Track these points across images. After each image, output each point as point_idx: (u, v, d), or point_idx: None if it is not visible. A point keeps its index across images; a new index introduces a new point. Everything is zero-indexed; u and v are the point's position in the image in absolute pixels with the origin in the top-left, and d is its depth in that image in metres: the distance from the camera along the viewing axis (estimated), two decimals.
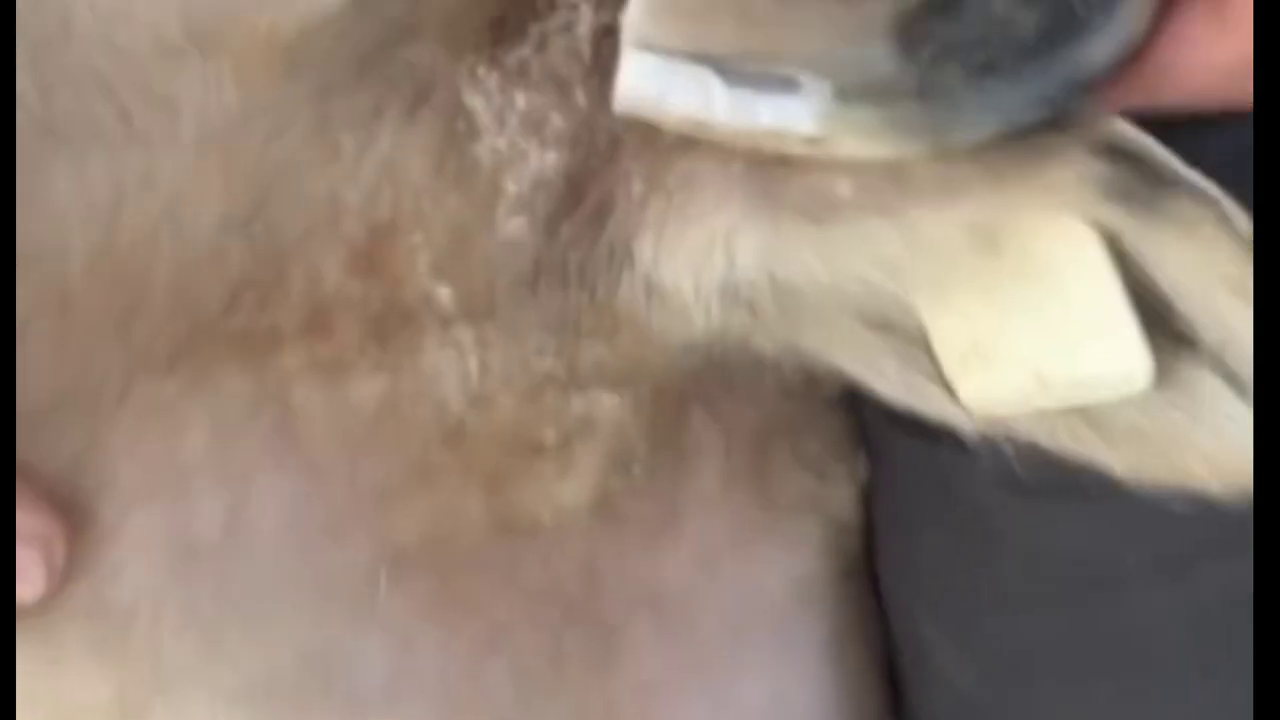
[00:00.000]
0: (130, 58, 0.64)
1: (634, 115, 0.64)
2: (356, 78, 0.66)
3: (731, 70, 0.63)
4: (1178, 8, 0.61)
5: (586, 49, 0.67)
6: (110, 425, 0.67)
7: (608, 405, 0.71)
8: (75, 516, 0.66)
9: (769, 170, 0.65)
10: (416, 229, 0.67)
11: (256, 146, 0.65)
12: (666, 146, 0.67)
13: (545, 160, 0.67)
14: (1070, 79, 0.61)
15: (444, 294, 0.68)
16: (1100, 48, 0.62)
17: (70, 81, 0.64)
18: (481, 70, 0.67)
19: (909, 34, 0.62)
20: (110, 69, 0.64)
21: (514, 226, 0.68)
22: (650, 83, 0.63)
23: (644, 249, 0.67)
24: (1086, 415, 0.65)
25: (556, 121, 0.67)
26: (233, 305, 0.67)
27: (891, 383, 0.66)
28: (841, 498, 0.79)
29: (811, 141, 0.63)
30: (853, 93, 0.62)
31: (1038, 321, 0.61)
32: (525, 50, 0.67)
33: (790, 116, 0.62)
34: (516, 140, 0.67)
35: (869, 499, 0.76)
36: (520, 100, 0.67)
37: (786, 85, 0.63)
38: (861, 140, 0.63)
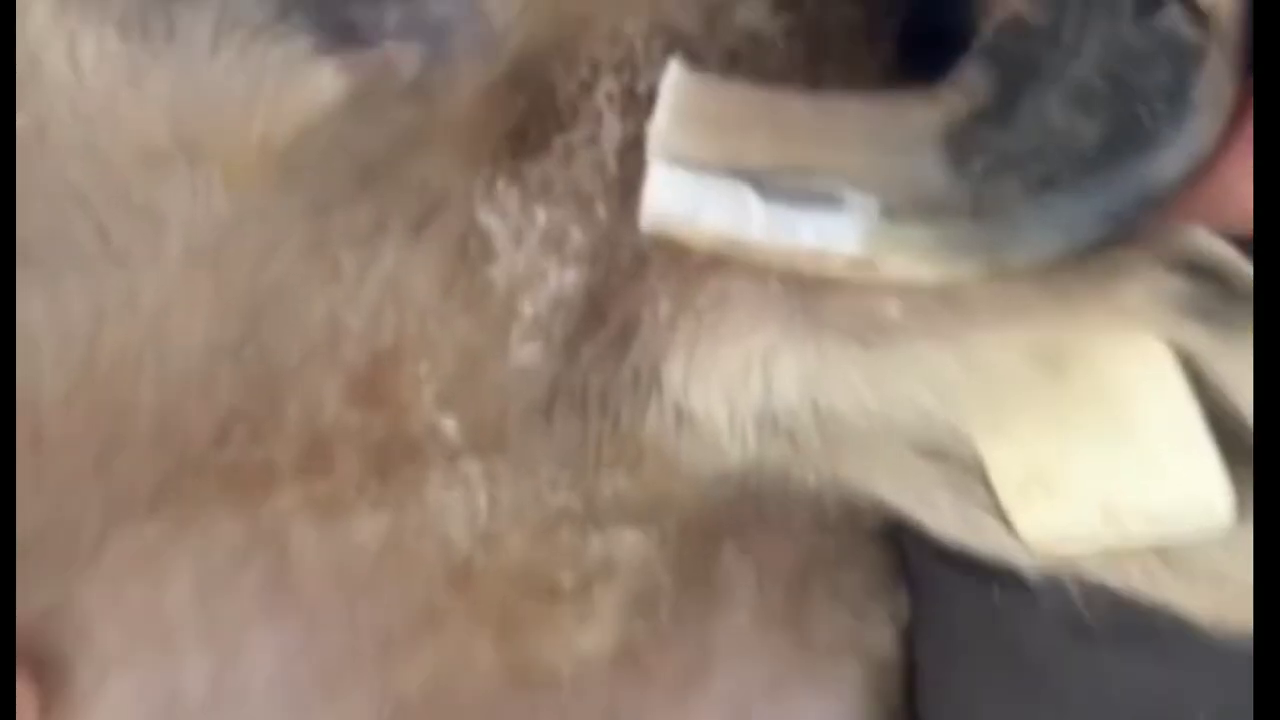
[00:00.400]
0: (110, 167, 0.60)
1: (662, 234, 0.60)
2: (358, 189, 0.61)
3: (768, 185, 0.58)
4: (1247, 125, 0.57)
5: (611, 161, 0.62)
6: (88, 575, 0.61)
7: (630, 543, 0.66)
8: (49, 679, 0.60)
9: (810, 289, 0.60)
10: (422, 355, 0.62)
11: (249, 263, 0.60)
12: (696, 264, 0.62)
13: (565, 279, 0.63)
14: (1137, 194, 0.57)
15: (450, 425, 0.63)
16: (1169, 162, 0.57)
17: (44, 196, 0.59)
18: (500, 185, 0.62)
19: (959, 145, 0.58)
20: (87, 181, 0.60)
21: (529, 352, 0.63)
22: (680, 198, 0.59)
23: (673, 373, 0.63)
24: (1162, 553, 0.60)
25: (577, 237, 0.62)
26: (222, 438, 0.62)
27: (944, 516, 0.62)
28: (882, 637, 0.74)
29: (856, 263, 0.58)
30: (901, 210, 0.58)
31: (1106, 450, 0.58)
32: (549, 164, 0.62)
33: (833, 236, 0.58)
34: (535, 259, 0.62)
35: (911, 638, 0.72)
36: (540, 217, 0.62)
37: (829, 202, 0.58)
38: (911, 261, 0.58)
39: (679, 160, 0.58)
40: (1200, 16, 0.58)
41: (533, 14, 0.61)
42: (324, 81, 0.59)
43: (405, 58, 0.59)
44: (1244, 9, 0.57)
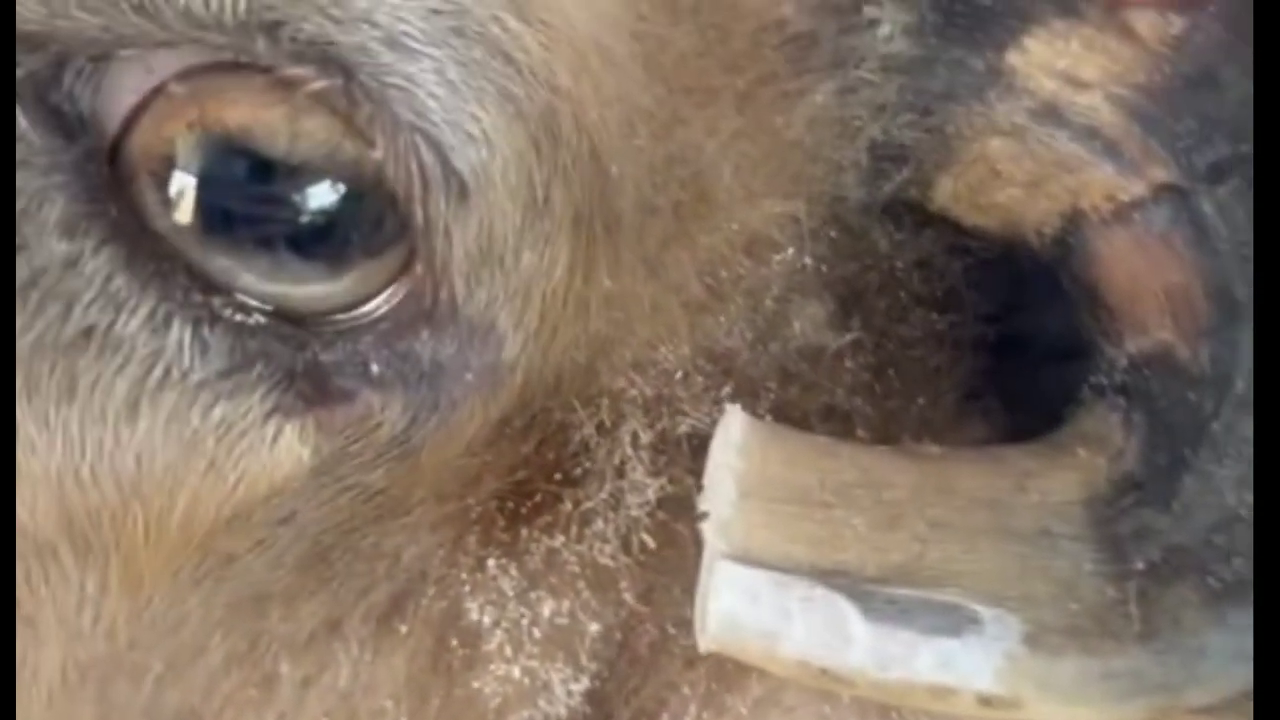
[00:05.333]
0: None
1: (730, 654, 0.46)
2: (306, 577, 0.48)
3: (874, 595, 0.45)
4: None
5: (640, 529, 0.49)
6: None
7: None
8: None
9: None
10: None
11: (148, 683, 0.47)
12: None
13: (575, 688, 0.49)
14: None
15: None
16: None
17: None
18: (493, 565, 0.48)
19: (1111, 529, 0.47)
20: None
21: None
22: (757, 610, 0.45)
23: None
24: None
25: (593, 631, 0.49)
26: None
27: None
28: None
29: (990, 701, 0.45)
30: (1052, 635, 0.45)
31: None
32: (558, 537, 0.48)
33: (963, 668, 0.45)
34: (536, 665, 0.48)
35: None
36: (546, 606, 0.48)
37: (956, 621, 0.45)
38: (1062, 703, 0.46)
39: (753, 556, 0.45)
40: None
41: (549, 335, 0.47)
42: (285, 447, 0.46)
43: (389, 411, 0.46)
44: None
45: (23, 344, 0.45)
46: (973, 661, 0.45)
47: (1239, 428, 0.46)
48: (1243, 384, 0.47)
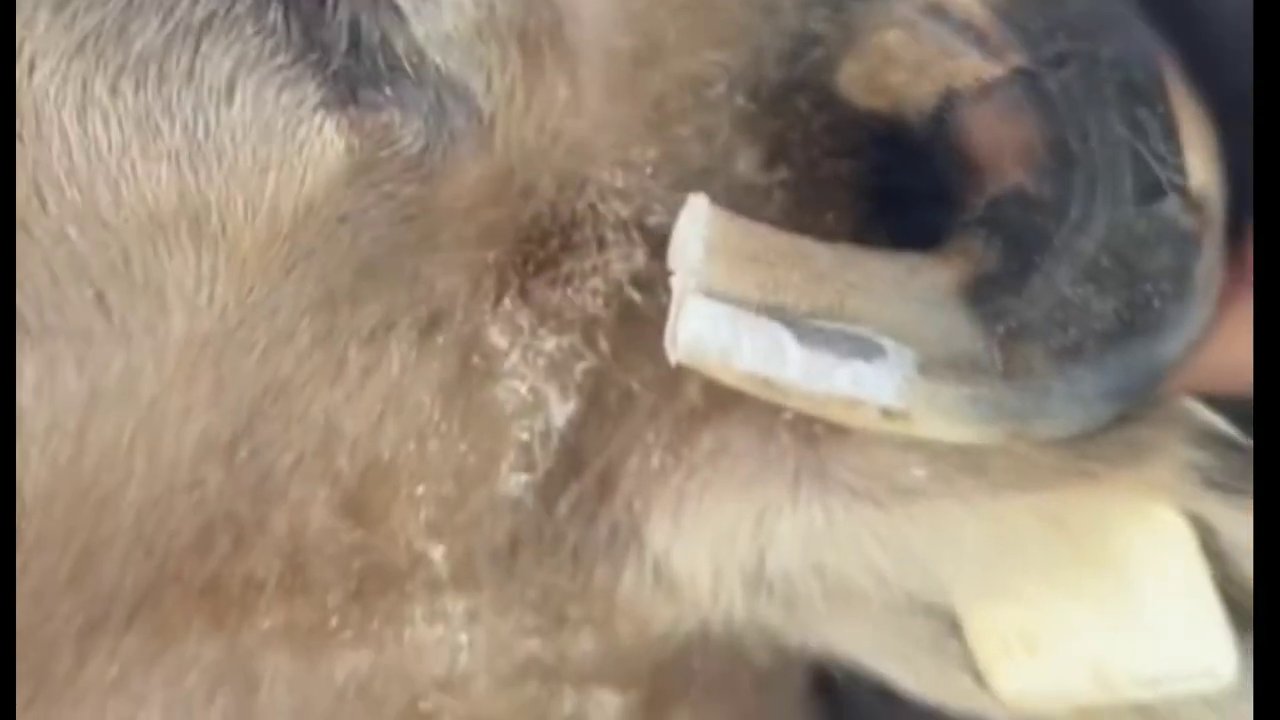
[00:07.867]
0: (114, 235, 0.53)
1: (694, 366, 0.57)
2: (364, 283, 0.56)
3: (805, 328, 0.57)
4: (1231, 306, 0.59)
5: (622, 292, 0.59)
6: (67, 697, 0.53)
7: (607, 705, 0.61)
8: None
9: (821, 445, 0.59)
10: (419, 476, 0.58)
11: (254, 356, 0.55)
12: (690, 409, 0.60)
13: (564, 410, 0.59)
14: (1147, 372, 0.59)
15: (438, 555, 0.58)
16: (1174, 342, 0.59)
17: (43, 261, 0.53)
18: (508, 303, 0.58)
19: (979, 303, 0.58)
20: (89, 248, 0.53)
21: (516, 483, 0.59)
22: (716, 332, 0.56)
23: (656, 531, 0.60)
24: (1145, 713, 0.60)
25: (581, 367, 0.59)
26: (206, 545, 0.56)
27: (925, 676, 0.61)
28: None
29: (890, 414, 0.57)
30: (937, 365, 0.57)
31: (1106, 612, 0.58)
32: (558, 290, 0.58)
33: (870, 385, 0.57)
34: (539, 385, 0.58)
35: None
36: (549, 342, 0.58)
37: (866, 349, 0.57)
38: (945, 419, 0.57)
39: (715, 293, 0.56)
40: (1195, 206, 0.59)
41: (519, 112, 0.57)
42: (327, 139, 0.54)
43: (406, 128, 0.55)
44: (1232, 201, 0.59)
45: (159, 38, 0.52)
46: (878, 380, 0.56)
47: (1072, 242, 0.58)
48: (1075, 210, 0.58)
